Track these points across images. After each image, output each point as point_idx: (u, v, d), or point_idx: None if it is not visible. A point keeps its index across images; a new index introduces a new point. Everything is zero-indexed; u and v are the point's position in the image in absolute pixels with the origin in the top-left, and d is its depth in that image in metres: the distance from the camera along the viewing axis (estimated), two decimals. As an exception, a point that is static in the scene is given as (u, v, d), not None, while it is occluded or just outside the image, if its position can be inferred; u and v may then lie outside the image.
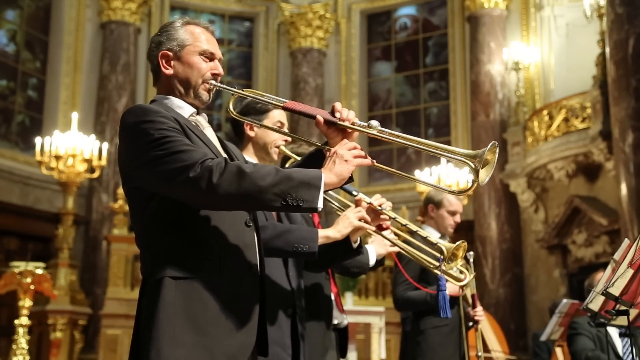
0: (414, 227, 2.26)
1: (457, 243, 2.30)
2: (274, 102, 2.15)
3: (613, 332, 4.51)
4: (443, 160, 10.24)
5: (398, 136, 1.99)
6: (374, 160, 2.00)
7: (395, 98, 14.10)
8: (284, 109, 2.12)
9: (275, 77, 13.75)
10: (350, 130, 2.06)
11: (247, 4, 14.10)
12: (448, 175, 10.39)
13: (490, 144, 1.87)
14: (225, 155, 2.08)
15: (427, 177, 10.44)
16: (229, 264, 1.95)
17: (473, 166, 1.86)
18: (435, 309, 3.79)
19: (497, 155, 1.89)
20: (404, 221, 2.25)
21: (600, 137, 9.78)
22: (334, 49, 13.79)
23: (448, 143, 12.64)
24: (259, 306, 1.99)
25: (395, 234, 2.68)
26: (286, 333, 2.53)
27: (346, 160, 1.94)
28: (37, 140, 9.50)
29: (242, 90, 2.17)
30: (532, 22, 12.12)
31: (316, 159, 2.20)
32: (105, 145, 9.89)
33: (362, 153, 1.98)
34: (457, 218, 3.99)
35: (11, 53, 12.21)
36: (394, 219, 2.26)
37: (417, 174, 10.56)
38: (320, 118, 2.06)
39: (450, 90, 13.22)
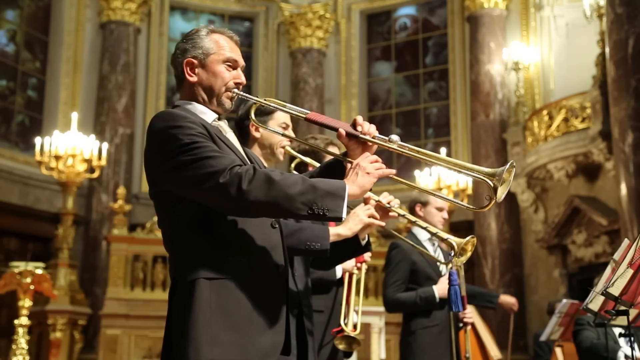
0: (423, 224, 2.33)
1: (467, 238, 2.38)
2: (296, 113, 2.18)
3: (615, 332, 4.53)
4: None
5: (419, 152, 2.03)
6: (394, 171, 2.06)
7: (395, 98, 14.10)
8: (307, 120, 2.15)
9: (275, 77, 13.74)
10: (370, 144, 2.11)
11: (246, 4, 14.10)
12: (448, 176, 10.39)
13: (508, 164, 1.92)
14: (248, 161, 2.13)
15: (427, 177, 10.45)
16: (257, 264, 2.00)
17: (492, 184, 1.90)
18: (424, 310, 3.85)
19: (512, 175, 1.93)
20: (412, 218, 2.33)
21: (600, 137, 9.77)
22: (334, 49, 13.78)
23: (448, 143, 12.65)
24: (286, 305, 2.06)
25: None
26: (292, 334, 2.53)
27: (368, 173, 2.00)
28: (37, 140, 9.51)
29: (265, 99, 2.20)
30: (532, 22, 12.11)
31: (334, 169, 2.25)
32: (105, 145, 9.90)
33: (383, 166, 2.03)
34: (445, 214, 4.03)
35: (11, 53, 12.21)
36: (403, 216, 2.34)
37: (417, 174, 10.58)
38: (342, 131, 2.11)
39: (450, 90, 13.21)
